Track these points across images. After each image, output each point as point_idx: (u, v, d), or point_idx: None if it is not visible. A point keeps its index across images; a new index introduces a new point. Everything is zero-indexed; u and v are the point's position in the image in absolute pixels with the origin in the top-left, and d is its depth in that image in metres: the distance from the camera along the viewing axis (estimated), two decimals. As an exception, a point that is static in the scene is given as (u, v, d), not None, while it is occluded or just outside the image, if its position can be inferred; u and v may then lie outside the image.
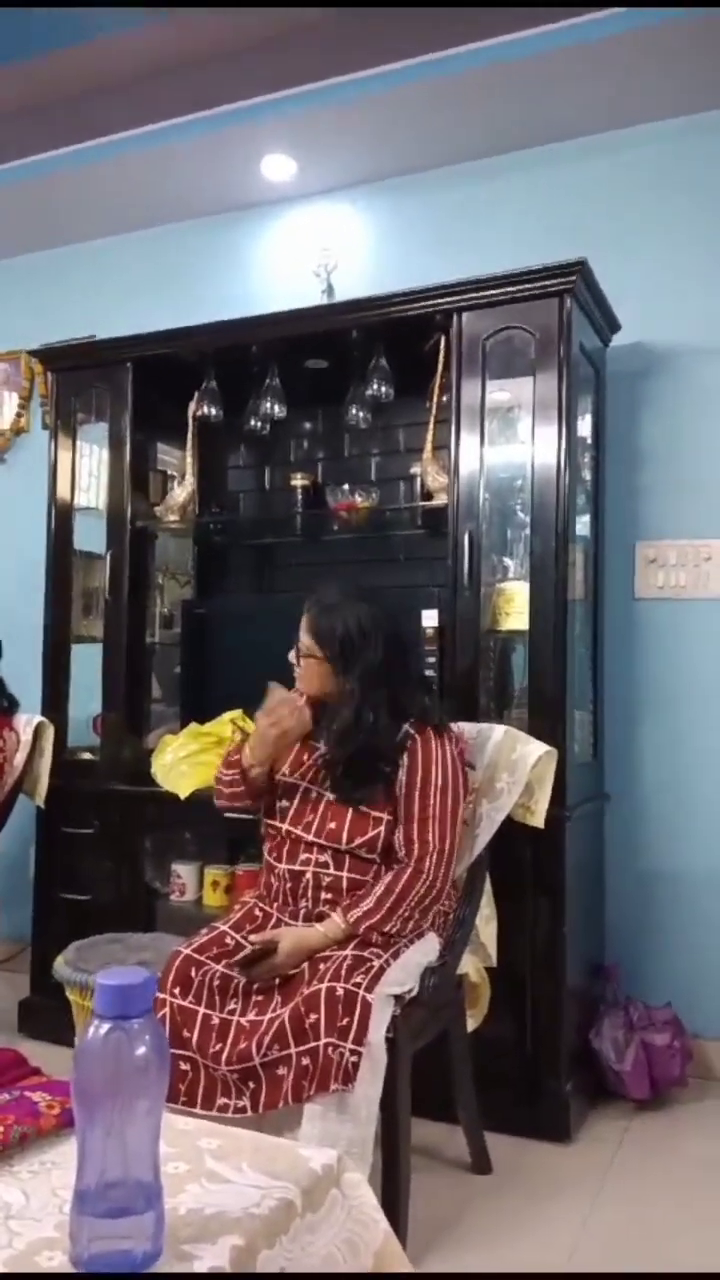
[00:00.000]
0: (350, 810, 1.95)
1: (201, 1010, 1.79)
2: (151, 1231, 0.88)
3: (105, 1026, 0.88)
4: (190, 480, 3.02)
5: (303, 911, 1.94)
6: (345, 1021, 1.65)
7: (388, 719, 1.97)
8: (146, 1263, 0.88)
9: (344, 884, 1.93)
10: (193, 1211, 0.97)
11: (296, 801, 2.03)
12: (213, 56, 2.90)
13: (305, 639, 2.04)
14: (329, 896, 1.93)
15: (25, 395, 3.74)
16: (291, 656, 2.08)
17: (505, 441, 2.63)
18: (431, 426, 2.73)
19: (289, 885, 1.97)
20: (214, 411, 3.00)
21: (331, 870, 1.94)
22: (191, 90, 2.96)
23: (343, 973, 1.73)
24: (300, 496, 3.03)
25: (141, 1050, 0.87)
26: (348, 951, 1.79)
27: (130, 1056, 0.87)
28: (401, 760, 1.96)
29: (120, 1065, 0.87)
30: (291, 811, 2.03)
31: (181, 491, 3.02)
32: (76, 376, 3.10)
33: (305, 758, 2.06)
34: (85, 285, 3.62)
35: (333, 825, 1.95)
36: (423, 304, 2.59)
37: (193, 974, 1.83)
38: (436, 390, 2.71)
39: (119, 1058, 0.87)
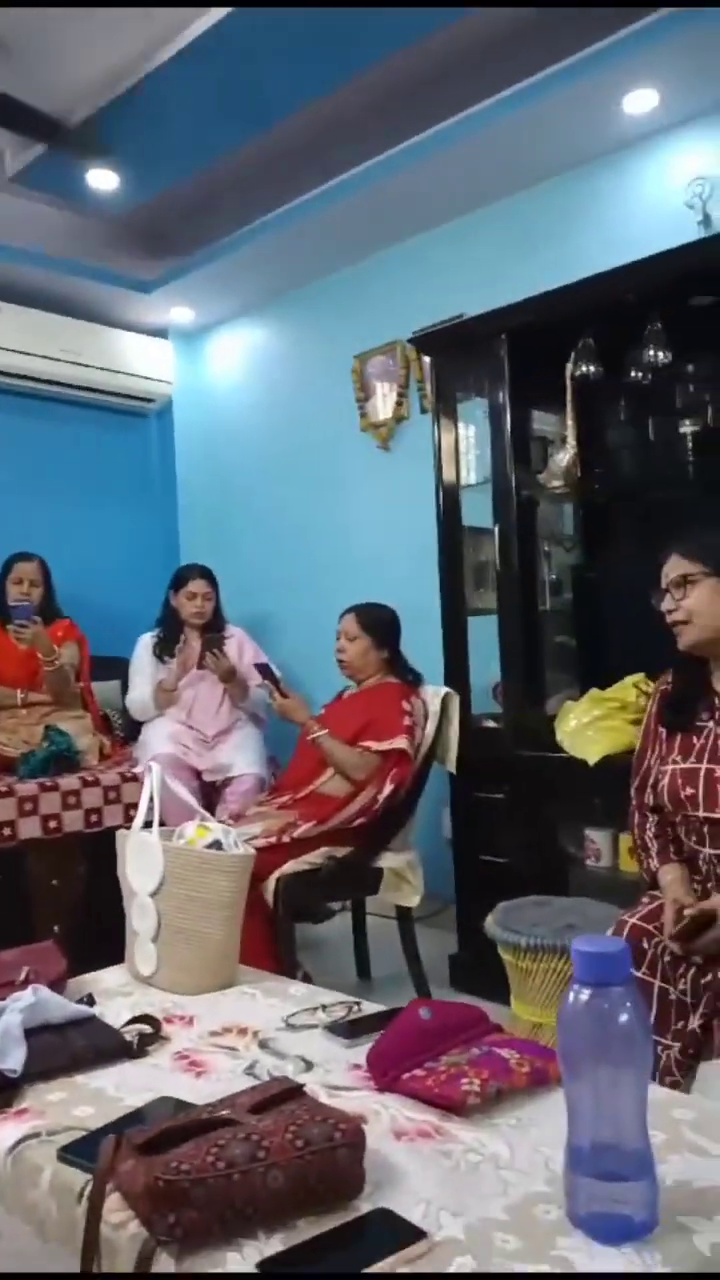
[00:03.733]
0: None
1: (657, 983, 1.72)
2: (648, 1200, 0.88)
3: (586, 993, 0.89)
4: (571, 443, 2.97)
5: None
6: None
7: None
8: (643, 1231, 0.88)
9: None
10: (680, 1184, 0.96)
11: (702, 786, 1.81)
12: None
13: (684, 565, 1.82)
14: None
15: (403, 383, 3.90)
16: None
17: None
18: None
19: (718, 870, 1.81)
20: (592, 369, 2.92)
21: None
22: (548, 43, 2.89)
23: None
24: (690, 444, 2.86)
25: (624, 1017, 0.88)
26: None
27: (614, 1022, 0.88)
28: None
29: (604, 1031, 0.88)
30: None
31: (564, 455, 2.98)
32: (452, 357, 3.17)
33: (696, 741, 1.83)
34: (449, 266, 3.69)
35: None
36: None
37: (644, 945, 1.76)
38: None
39: (602, 1023, 0.88)
